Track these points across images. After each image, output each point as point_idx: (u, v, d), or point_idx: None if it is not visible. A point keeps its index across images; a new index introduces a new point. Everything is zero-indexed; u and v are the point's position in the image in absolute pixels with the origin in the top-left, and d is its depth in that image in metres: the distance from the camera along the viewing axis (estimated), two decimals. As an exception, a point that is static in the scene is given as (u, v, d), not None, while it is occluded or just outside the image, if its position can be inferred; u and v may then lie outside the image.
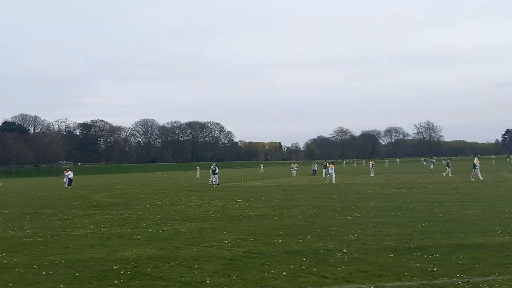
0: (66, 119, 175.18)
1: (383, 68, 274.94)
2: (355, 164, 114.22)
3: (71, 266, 9.18)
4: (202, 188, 35.29)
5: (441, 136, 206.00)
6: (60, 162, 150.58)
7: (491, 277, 7.24)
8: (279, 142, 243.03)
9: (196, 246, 10.93)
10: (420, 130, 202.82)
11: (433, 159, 75.48)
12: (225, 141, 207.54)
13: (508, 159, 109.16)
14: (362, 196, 23.35)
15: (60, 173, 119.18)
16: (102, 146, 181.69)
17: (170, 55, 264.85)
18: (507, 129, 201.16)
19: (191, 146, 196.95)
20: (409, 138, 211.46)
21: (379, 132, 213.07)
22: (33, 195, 33.46)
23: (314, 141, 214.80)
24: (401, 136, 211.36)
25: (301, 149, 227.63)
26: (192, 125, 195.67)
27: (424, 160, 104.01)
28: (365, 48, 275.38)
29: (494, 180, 33.08)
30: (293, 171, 56.86)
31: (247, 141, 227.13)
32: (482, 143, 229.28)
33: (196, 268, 8.68)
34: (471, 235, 11.00)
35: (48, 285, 7.80)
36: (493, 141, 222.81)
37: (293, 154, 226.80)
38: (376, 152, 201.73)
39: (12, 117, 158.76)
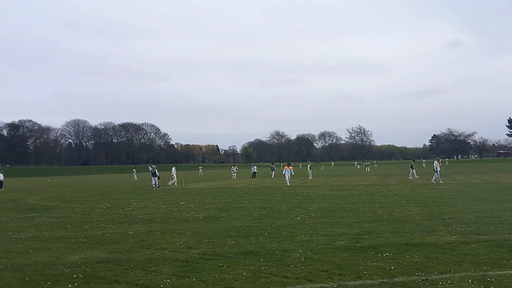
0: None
1: (315, 74, 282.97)
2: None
3: (19, 270, 8.71)
4: (141, 191, 34.57)
5: (372, 140, 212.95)
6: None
7: (448, 275, 7.51)
8: (216, 145, 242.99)
9: (148, 249, 10.67)
10: (353, 135, 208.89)
11: (367, 162, 77.84)
12: (161, 143, 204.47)
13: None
14: (305, 197, 23.68)
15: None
16: (31, 147, 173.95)
17: (99, 53, 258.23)
18: (434, 135, 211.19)
19: (125, 148, 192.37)
20: (342, 142, 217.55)
21: (313, 136, 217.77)
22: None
23: (251, 144, 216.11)
24: (334, 140, 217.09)
25: (238, 152, 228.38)
26: (126, 127, 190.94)
27: (358, 163, 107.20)
28: (289, 54, 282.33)
29: (428, 182, 34.51)
30: (233, 174, 56.83)
31: (183, 143, 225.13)
32: (411, 148, 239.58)
33: (152, 271, 8.46)
34: (418, 234, 11.39)
35: (-4, 292, 7.36)
36: (421, 145, 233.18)
37: (230, 157, 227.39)
38: (311, 155, 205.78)
39: None
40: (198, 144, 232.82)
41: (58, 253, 10.47)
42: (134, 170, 74.01)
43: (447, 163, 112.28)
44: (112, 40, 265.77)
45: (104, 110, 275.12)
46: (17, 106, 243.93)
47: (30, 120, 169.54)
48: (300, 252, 9.61)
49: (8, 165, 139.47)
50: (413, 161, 47.30)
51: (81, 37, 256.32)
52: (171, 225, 14.73)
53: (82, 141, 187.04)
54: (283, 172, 38.18)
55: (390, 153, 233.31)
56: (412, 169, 43.97)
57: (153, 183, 37.61)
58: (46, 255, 10.21)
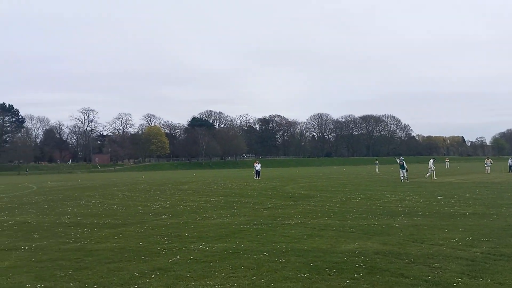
0: (247, 114, 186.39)
1: None
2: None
3: (301, 255, 9.15)
4: (390, 183, 34.05)
5: None
6: (243, 155, 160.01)
7: None
8: (462, 137, 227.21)
9: (421, 243, 10.18)
10: None
11: None
12: (402, 135, 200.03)
13: None
14: None
15: (244, 165, 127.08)
16: (279, 140, 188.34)
17: (338, 48, 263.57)
18: None
19: (366, 141, 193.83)
20: None
21: None
22: (229, 185, 35.66)
23: (503, 135, 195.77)
24: None
25: (488, 143, 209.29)
26: (366, 119, 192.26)
27: None
28: None
29: None
30: (486, 167, 51.98)
31: (425, 135, 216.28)
32: None
33: (436, 267, 7.96)
34: None
35: (288, 273, 7.79)
36: None
37: (478, 149, 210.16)
38: None
39: (200, 113, 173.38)
40: (442, 135, 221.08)
41: (331, 240, 10.75)
42: (376, 162, 74.05)
43: None
44: (347, 32, 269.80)
45: (344, 103, 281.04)
46: (268, 103, 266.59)
47: (278, 115, 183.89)
48: None
49: (260, 156, 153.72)
50: None
51: (320, 33, 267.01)
52: (436, 220, 13.93)
53: (324, 133, 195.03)
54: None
55: None
56: None
57: (401, 175, 36.70)
58: (321, 242, 10.57)
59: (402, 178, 36.45)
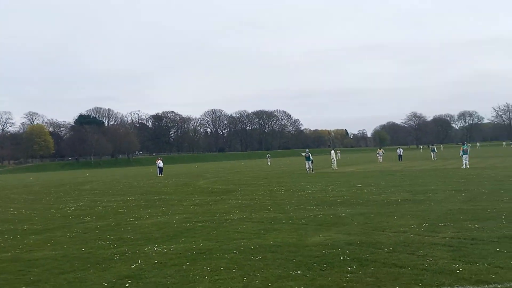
0: (139, 111, 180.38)
1: (447, 54, 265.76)
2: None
3: (275, 252, 8.55)
4: (299, 175, 34.55)
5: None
6: (136, 152, 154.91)
7: None
8: (345, 129, 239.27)
9: (383, 231, 10.02)
10: (500, 113, 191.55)
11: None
12: (292, 129, 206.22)
13: None
14: (495, 179, 21.72)
15: (138, 163, 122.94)
16: (173, 137, 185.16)
17: (233, 49, 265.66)
18: None
19: (258, 135, 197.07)
20: (485, 121, 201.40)
21: (452, 116, 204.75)
22: (134, 184, 33.93)
23: (383, 127, 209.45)
24: (475, 120, 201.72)
25: (368, 135, 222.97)
26: (259, 114, 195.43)
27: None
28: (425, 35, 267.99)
29: None
30: (379, 157, 55.09)
31: (312, 129, 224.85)
32: None
33: (422, 255, 7.76)
34: None
35: (277, 271, 7.14)
36: None
37: (360, 141, 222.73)
38: (450, 137, 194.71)
39: (87, 110, 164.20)
40: (327, 129, 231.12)
41: (293, 234, 10.23)
42: (268, 155, 76.20)
43: None
44: (243, 35, 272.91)
45: (238, 100, 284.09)
46: (161, 100, 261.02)
47: (172, 111, 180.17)
48: None
49: (154, 154, 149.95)
50: None
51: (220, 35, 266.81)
52: (376, 208, 13.99)
53: (218, 129, 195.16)
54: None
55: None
56: None
57: (307, 167, 37.49)
58: (284, 236, 10.02)
59: (308, 169, 37.21)
